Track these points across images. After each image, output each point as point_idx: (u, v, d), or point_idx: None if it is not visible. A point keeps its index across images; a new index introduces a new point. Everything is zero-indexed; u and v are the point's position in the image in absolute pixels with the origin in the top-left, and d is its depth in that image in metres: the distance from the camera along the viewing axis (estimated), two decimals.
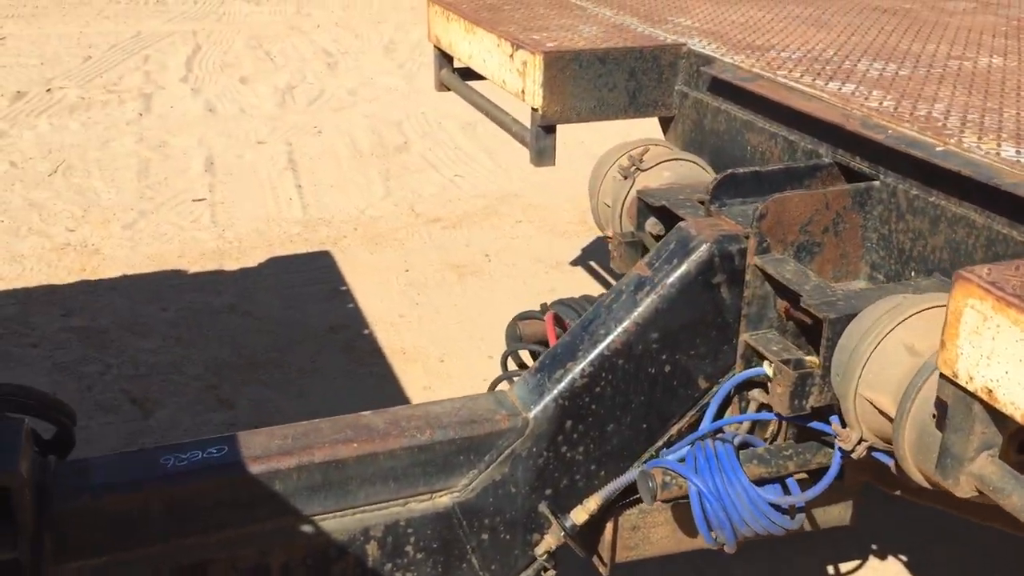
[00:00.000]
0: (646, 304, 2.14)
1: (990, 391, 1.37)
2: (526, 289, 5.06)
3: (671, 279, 2.14)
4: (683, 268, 2.14)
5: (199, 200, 6.11)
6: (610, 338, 2.13)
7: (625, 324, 2.13)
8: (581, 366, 2.13)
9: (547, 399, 2.12)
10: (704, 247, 2.13)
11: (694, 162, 2.72)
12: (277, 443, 1.97)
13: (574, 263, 5.38)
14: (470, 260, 5.39)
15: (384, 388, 4.10)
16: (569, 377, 2.13)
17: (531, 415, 2.11)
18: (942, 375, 1.46)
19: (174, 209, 5.96)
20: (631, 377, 2.17)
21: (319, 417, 2.07)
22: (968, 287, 1.39)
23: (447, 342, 4.53)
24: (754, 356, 2.18)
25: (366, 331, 4.59)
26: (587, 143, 5.89)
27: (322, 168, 6.74)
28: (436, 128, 7.56)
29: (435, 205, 6.15)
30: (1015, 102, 2.31)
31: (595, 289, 4.94)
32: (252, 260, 5.28)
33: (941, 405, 1.51)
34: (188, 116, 7.73)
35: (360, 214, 5.98)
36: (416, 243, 5.59)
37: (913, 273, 2.12)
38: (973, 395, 1.41)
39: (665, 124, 3.05)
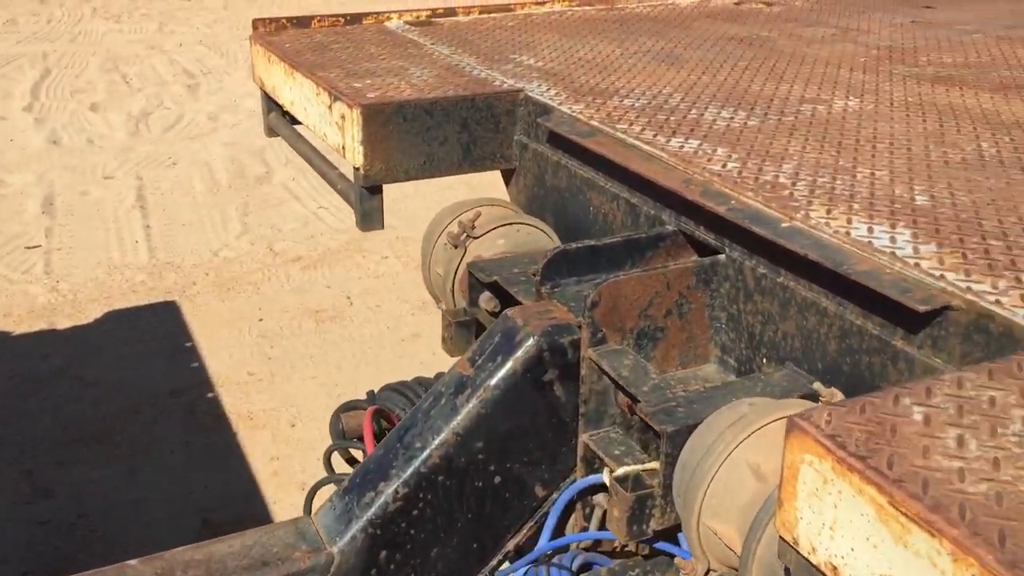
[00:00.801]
0: (467, 410, 1.86)
1: (835, 569, 1.12)
2: (389, 335, 4.74)
3: (495, 380, 1.86)
4: (508, 366, 1.86)
5: (33, 247, 5.59)
6: (427, 452, 1.85)
7: (444, 435, 1.85)
8: (394, 487, 1.84)
9: (355, 528, 1.82)
10: (531, 341, 1.86)
11: (533, 226, 2.44)
12: None
13: None
14: (330, 303, 5.04)
15: (226, 462, 3.73)
16: (380, 501, 1.83)
17: (336, 549, 1.81)
18: (782, 538, 1.21)
19: (3, 259, 5.43)
20: (454, 494, 1.88)
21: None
22: (803, 440, 1.13)
23: (300, 402, 4.17)
24: (596, 457, 1.91)
25: (211, 393, 4.20)
26: None
27: (174, 204, 6.28)
28: None
29: (295, 242, 5.77)
30: (870, 158, 2.10)
31: None
32: (88, 316, 4.82)
33: (785, 568, 1.25)
34: (28, 150, 7.16)
35: (213, 256, 5.56)
36: (272, 287, 5.20)
37: (765, 360, 1.88)
38: (817, 569, 1.16)
39: (508, 176, 2.77)
